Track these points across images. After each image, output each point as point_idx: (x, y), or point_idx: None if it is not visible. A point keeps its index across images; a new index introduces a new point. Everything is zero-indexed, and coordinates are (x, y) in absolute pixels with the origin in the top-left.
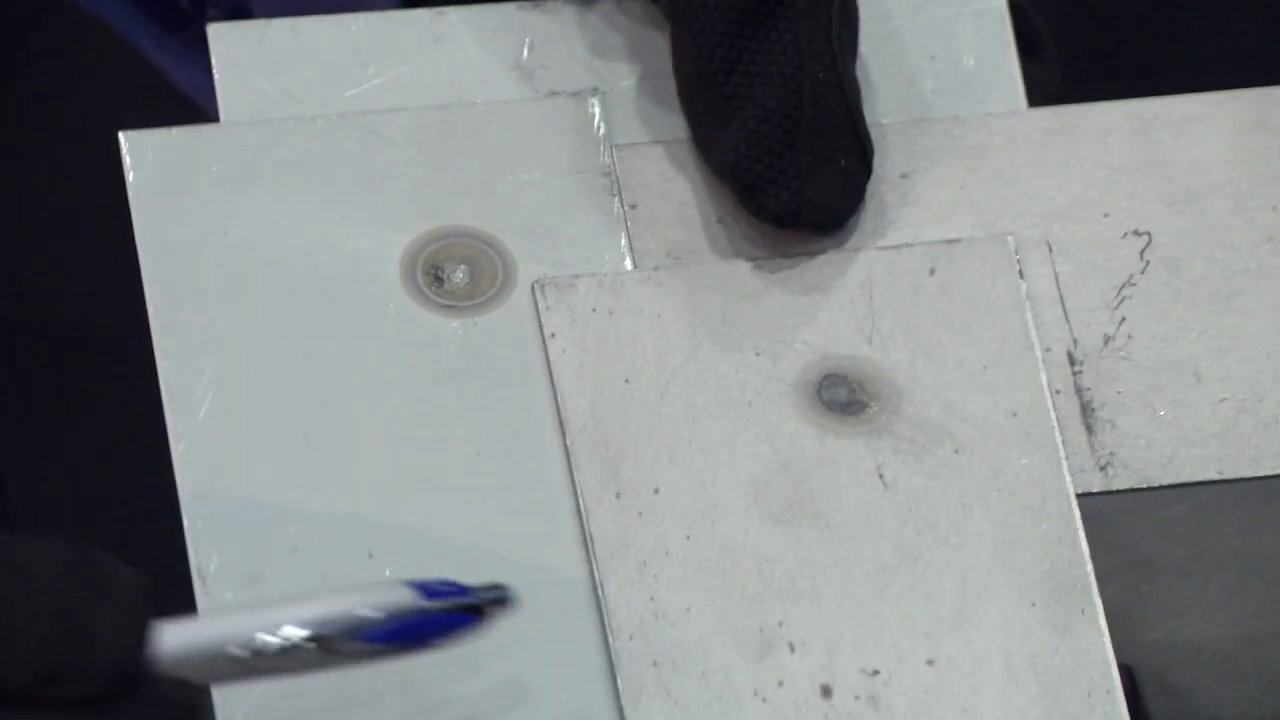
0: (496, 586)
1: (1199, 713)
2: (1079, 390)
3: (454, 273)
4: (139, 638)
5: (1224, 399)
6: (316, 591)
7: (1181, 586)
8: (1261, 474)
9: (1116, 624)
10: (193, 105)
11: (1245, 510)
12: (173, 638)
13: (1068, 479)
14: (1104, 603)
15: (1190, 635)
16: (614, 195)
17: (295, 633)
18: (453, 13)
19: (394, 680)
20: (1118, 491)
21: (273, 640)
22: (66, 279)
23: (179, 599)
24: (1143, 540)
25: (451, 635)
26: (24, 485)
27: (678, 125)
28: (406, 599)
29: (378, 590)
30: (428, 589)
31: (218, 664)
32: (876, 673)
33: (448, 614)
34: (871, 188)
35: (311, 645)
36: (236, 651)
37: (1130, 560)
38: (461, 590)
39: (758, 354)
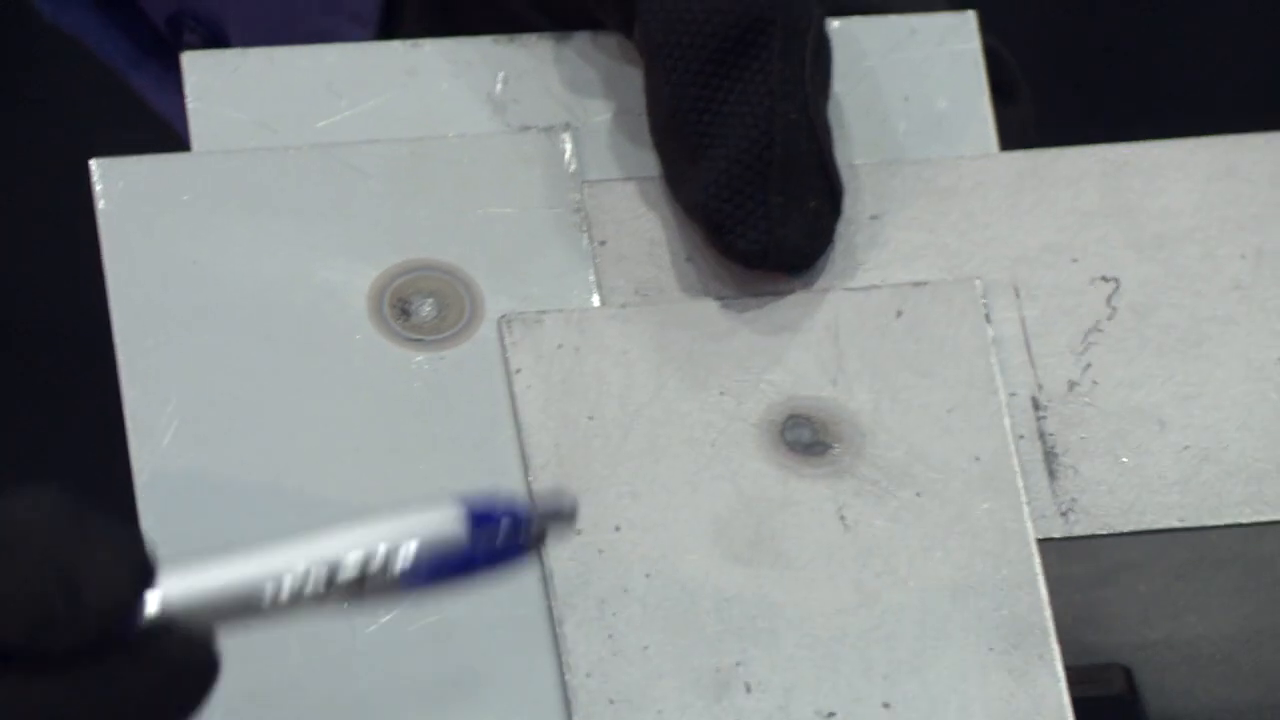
0: (556, 499)
1: (1198, 714)
2: (1042, 435)
3: (421, 306)
4: (133, 582)
5: (1187, 446)
6: (345, 519)
7: (1180, 588)
8: (1222, 523)
9: (1115, 624)
10: (170, 130)
11: None
12: (175, 585)
13: (1029, 524)
14: (1103, 604)
15: (1189, 636)
16: (583, 231)
17: (316, 575)
18: (427, 45)
19: (345, 712)
20: (1078, 538)
21: (287, 587)
22: (41, 301)
23: None
24: (1141, 541)
25: (501, 569)
26: None
27: (649, 162)
28: (450, 533)
29: (419, 519)
30: (477, 513)
31: (227, 611)
32: (832, 715)
33: (497, 550)
34: (841, 229)
35: (333, 590)
36: (247, 599)
37: (1128, 561)
38: (514, 514)
39: (722, 393)
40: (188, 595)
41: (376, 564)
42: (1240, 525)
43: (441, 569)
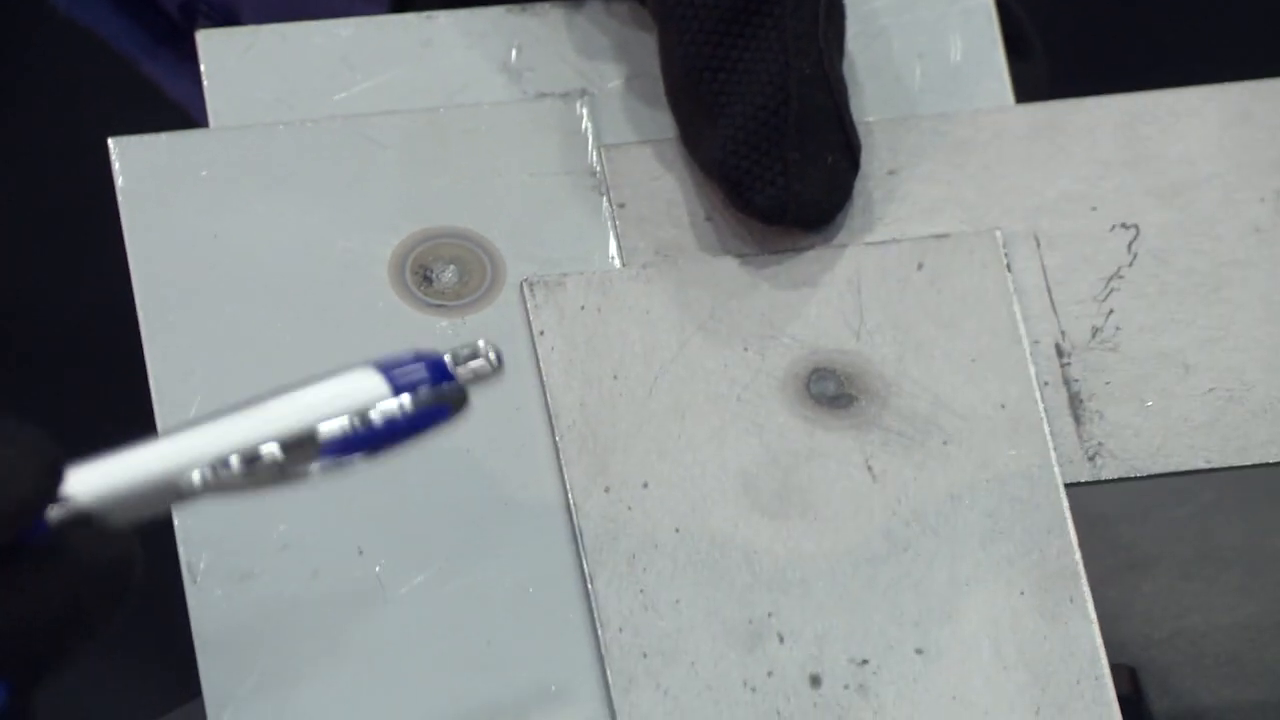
0: (471, 351)
1: (1203, 713)
2: (1067, 382)
3: (443, 273)
4: (37, 481)
5: (1212, 389)
6: (259, 395)
7: (1185, 587)
8: (1249, 463)
9: (1120, 624)
10: (185, 116)
11: (1249, 510)
12: (86, 481)
13: (1056, 470)
14: (1108, 603)
15: (1194, 635)
16: (602, 194)
17: (234, 458)
18: (441, 16)
19: (380, 673)
20: (1106, 481)
21: (204, 474)
22: (61, 284)
23: (172, 596)
24: (1146, 540)
25: (427, 430)
26: None
27: (665, 124)
28: (371, 401)
29: (338, 388)
30: (395, 379)
31: (143, 503)
32: (865, 662)
33: (420, 413)
34: (859, 184)
35: (255, 471)
36: (163, 489)
37: (1134, 560)
38: (437, 367)
39: (746, 349)
40: (100, 491)
41: (294, 441)
42: (1269, 465)
43: (365, 439)
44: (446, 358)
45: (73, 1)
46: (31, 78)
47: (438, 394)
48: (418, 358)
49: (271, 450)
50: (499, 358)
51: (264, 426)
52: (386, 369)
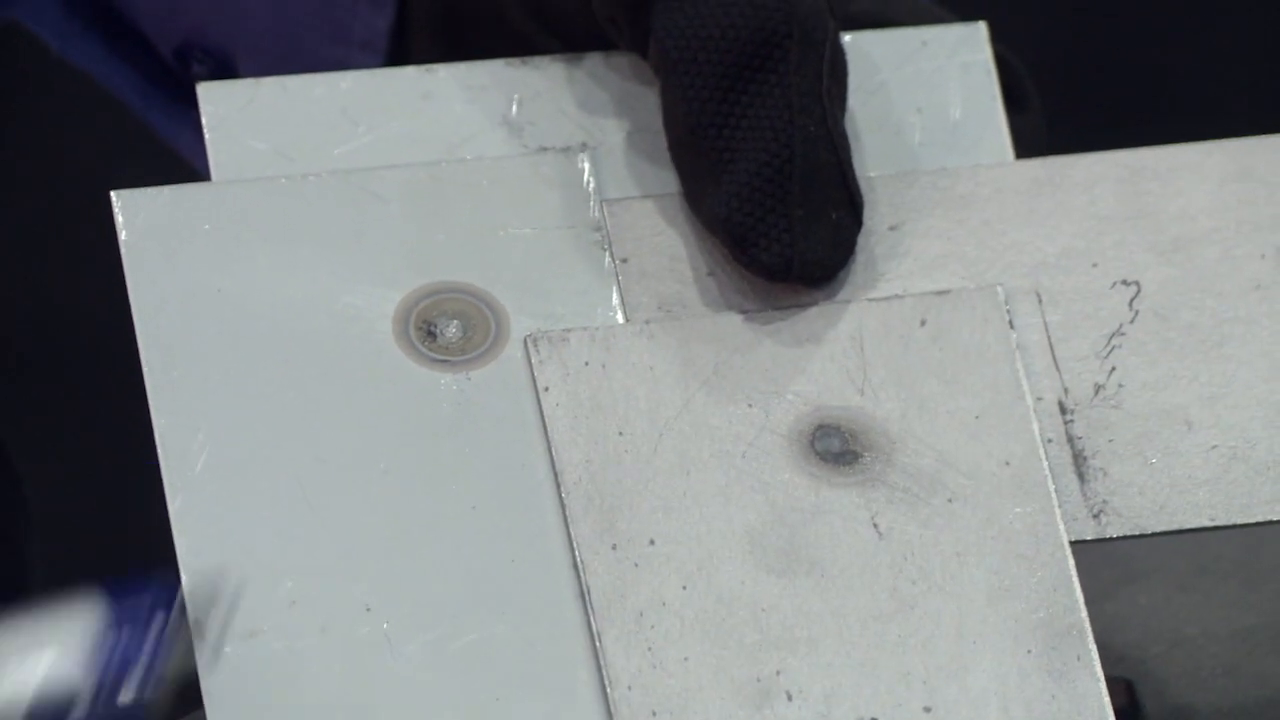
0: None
1: None
2: (1070, 439)
3: (447, 328)
4: None
5: (1215, 446)
6: None
7: (1182, 599)
8: (1253, 521)
9: (1117, 636)
10: (183, 162)
11: None
12: None
13: (1061, 527)
14: (1104, 616)
15: (1190, 648)
16: (605, 249)
17: None
18: (441, 70)
19: None
20: (1111, 539)
21: None
22: (66, 331)
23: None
24: (1142, 553)
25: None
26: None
27: (667, 179)
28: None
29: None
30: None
31: None
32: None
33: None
34: (861, 240)
35: None
36: None
37: (1131, 573)
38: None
39: (750, 406)
40: None
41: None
42: (1273, 523)
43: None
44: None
45: (67, 43)
46: (27, 116)
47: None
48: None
49: None
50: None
51: None
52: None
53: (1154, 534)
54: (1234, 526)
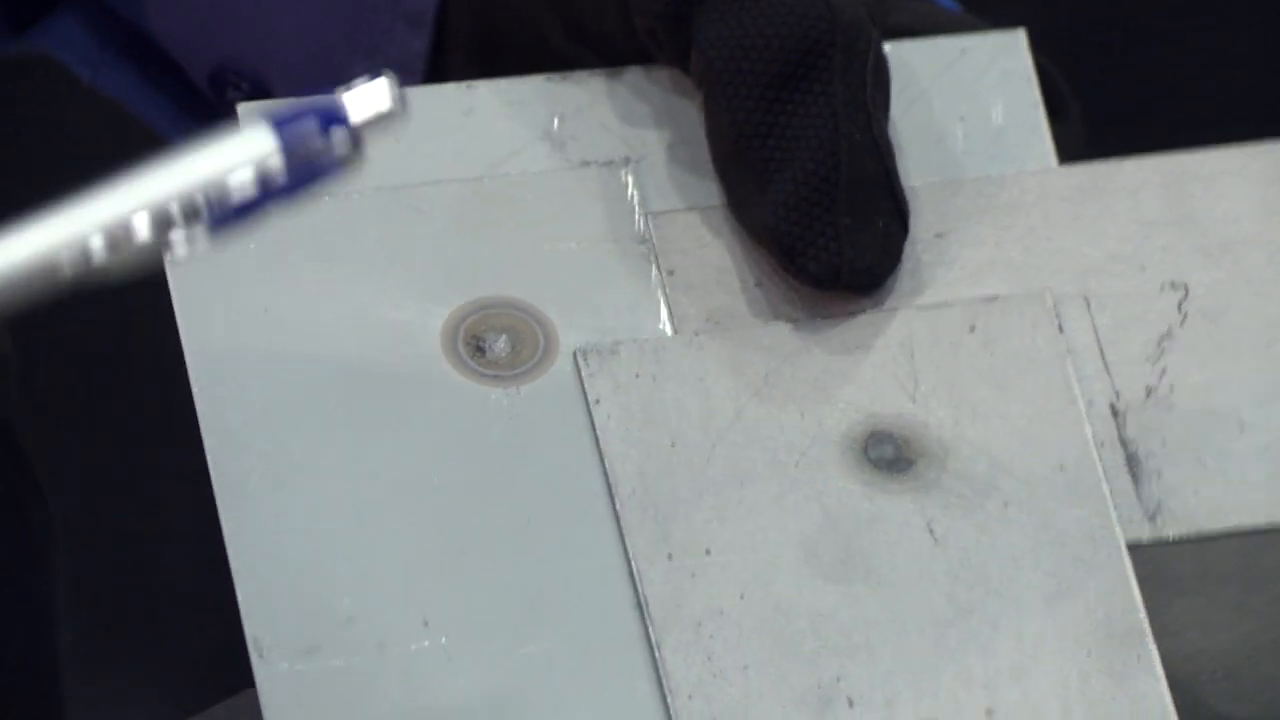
0: (367, 93)
1: None
2: (1123, 441)
3: (495, 342)
4: None
5: (1268, 446)
6: (146, 168)
7: (1182, 603)
8: None
9: None
10: None
11: None
12: None
13: (1117, 529)
14: None
15: (1191, 652)
16: (651, 262)
17: (132, 227)
18: (482, 86)
19: None
20: (1169, 542)
21: (93, 251)
22: (111, 353)
23: (158, 618)
24: (1143, 558)
25: (325, 179)
26: (83, 552)
27: (710, 191)
28: (261, 157)
29: (231, 150)
30: (287, 131)
31: (27, 286)
32: None
33: (316, 165)
34: (907, 248)
35: (153, 241)
36: (46, 270)
37: None
38: (327, 114)
39: (802, 414)
40: None
41: (190, 208)
42: None
43: (256, 203)
44: (344, 98)
45: (98, 73)
46: (57, 149)
47: (330, 146)
48: (310, 108)
49: (164, 223)
50: (398, 100)
51: (142, 196)
52: (281, 123)
53: (1212, 536)
54: None
